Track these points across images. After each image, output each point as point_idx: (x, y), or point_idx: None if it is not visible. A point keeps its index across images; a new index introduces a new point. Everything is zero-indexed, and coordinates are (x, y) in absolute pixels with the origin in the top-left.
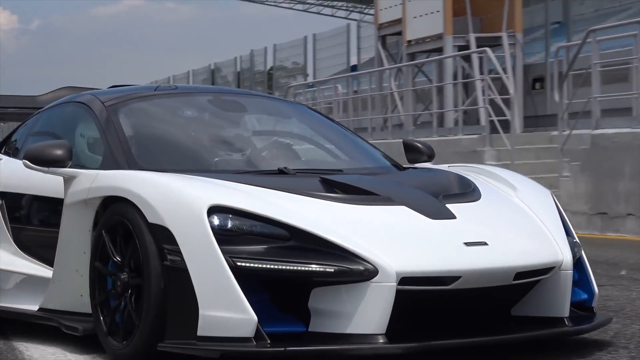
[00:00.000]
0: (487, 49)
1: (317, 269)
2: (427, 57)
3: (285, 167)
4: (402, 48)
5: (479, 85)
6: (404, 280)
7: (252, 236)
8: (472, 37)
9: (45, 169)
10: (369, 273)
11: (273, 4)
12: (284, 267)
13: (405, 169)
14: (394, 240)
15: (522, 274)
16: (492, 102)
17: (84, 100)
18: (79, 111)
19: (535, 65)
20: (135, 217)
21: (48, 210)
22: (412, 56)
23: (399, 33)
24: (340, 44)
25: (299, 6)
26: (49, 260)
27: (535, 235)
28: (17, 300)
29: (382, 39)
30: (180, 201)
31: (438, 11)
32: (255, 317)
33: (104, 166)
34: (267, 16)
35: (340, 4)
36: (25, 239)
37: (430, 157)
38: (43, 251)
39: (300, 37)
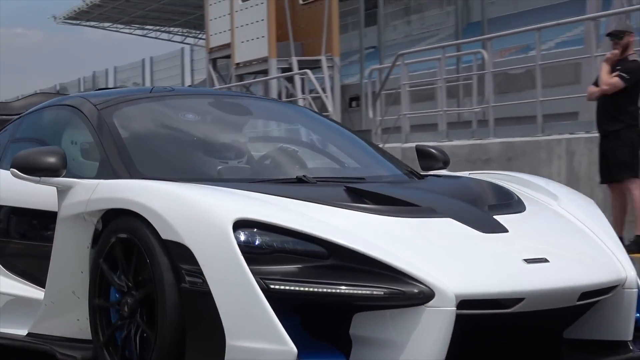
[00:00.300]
0: (308, 70)
1: (364, 292)
2: (254, 78)
3: (304, 175)
4: (231, 70)
5: (301, 103)
6: (463, 303)
7: (284, 254)
8: (294, 60)
9: (37, 178)
10: (425, 296)
11: (114, 29)
12: (323, 290)
13: (424, 176)
14: (448, 258)
15: (587, 293)
16: None
17: (73, 103)
18: (68, 115)
19: (352, 85)
20: (145, 233)
21: (37, 224)
22: (240, 77)
23: (229, 56)
24: (176, 66)
25: (139, 31)
26: (38, 280)
27: (592, 249)
28: (3, 323)
29: (213, 61)
30: (201, 215)
31: (263, 37)
32: (294, 349)
33: (101, 175)
34: (110, 41)
35: (176, 29)
36: (10, 256)
37: (445, 164)
38: (31, 270)
39: (139, 60)
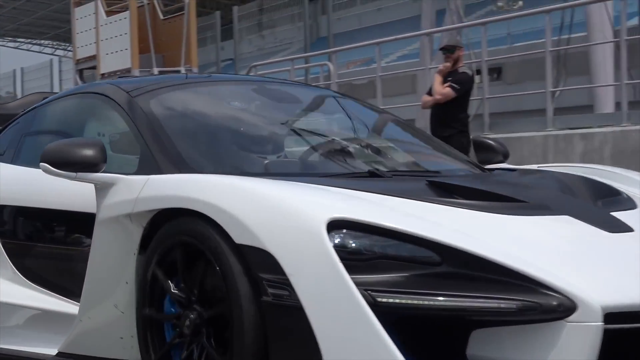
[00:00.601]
0: None
1: (490, 305)
2: None
3: (376, 168)
4: (97, 80)
5: None
6: (608, 317)
7: (387, 260)
8: (155, 71)
9: (73, 174)
10: (565, 309)
11: None
12: (439, 304)
13: (491, 169)
14: (584, 263)
15: None
16: None
17: (101, 90)
18: (94, 103)
19: None
20: (212, 237)
21: (66, 227)
22: None
23: (94, 67)
24: (45, 76)
25: (11, 44)
26: (68, 292)
27: None
28: (28, 341)
29: (80, 72)
30: (285, 214)
31: (126, 49)
32: None
33: (142, 170)
34: None
35: (47, 42)
36: (33, 264)
37: (505, 157)
38: (59, 280)
39: (10, 70)
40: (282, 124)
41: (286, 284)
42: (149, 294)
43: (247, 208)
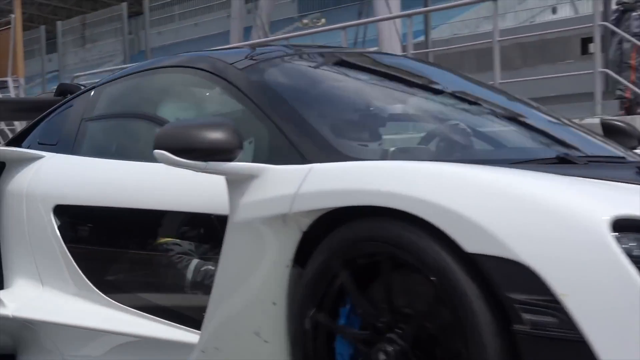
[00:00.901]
0: None
1: None
2: None
3: (565, 154)
4: None
5: None
6: None
7: None
8: None
9: (203, 164)
10: None
11: None
12: None
13: None
14: None
15: None
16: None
17: (194, 63)
18: (188, 79)
19: None
20: (427, 244)
21: (174, 231)
22: None
23: None
24: None
25: None
26: (175, 314)
27: None
28: None
29: None
30: (545, 212)
31: None
32: None
33: (277, 159)
34: None
35: None
36: (114, 278)
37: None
38: (159, 299)
39: None
40: (424, 100)
41: (554, 308)
42: (312, 351)
43: (482, 205)
